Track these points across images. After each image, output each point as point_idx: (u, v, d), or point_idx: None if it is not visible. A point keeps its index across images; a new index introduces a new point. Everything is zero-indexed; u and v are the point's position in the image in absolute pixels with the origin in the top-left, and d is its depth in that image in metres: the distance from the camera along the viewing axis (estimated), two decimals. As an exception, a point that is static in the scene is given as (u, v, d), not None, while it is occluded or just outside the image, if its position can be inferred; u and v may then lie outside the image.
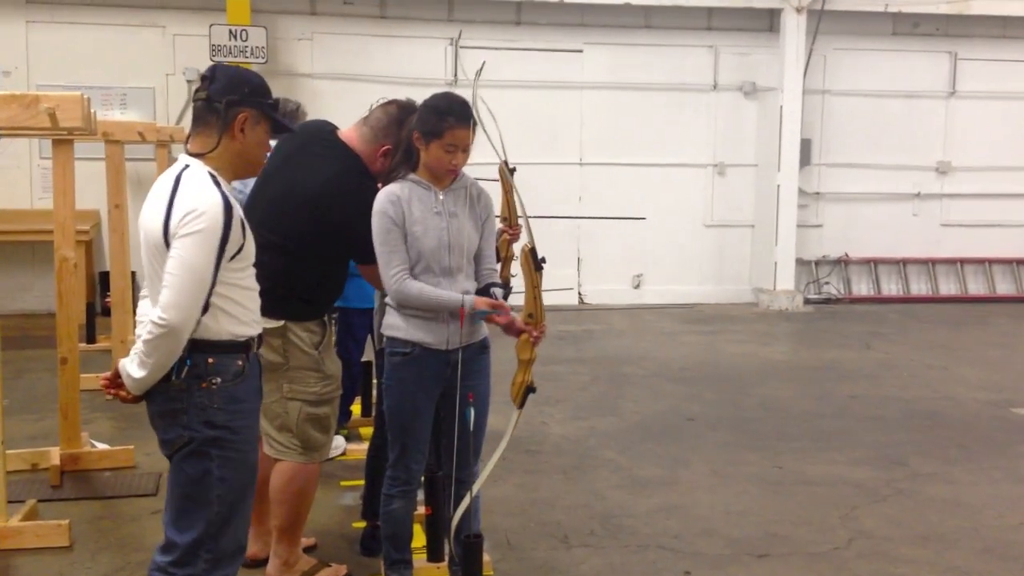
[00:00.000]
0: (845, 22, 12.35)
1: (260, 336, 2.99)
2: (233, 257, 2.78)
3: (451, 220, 3.55)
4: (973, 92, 12.86)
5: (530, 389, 3.52)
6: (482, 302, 3.50)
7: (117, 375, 2.83)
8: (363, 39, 11.44)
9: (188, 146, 2.90)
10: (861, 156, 12.67)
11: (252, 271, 2.94)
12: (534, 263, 3.45)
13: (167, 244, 2.71)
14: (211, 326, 2.78)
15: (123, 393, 2.83)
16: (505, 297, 3.79)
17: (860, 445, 6.19)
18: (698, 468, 5.72)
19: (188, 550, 2.82)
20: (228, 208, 2.73)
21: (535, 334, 3.48)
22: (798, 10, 11.87)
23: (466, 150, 3.53)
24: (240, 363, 2.85)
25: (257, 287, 2.97)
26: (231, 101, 2.83)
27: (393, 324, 3.57)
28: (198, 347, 2.77)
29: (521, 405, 3.51)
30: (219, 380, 2.80)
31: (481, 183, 3.74)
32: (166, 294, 2.67)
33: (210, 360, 2.79)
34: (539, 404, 6.61)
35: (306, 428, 3.82)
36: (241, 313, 2.86)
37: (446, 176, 3.56)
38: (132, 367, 2.76)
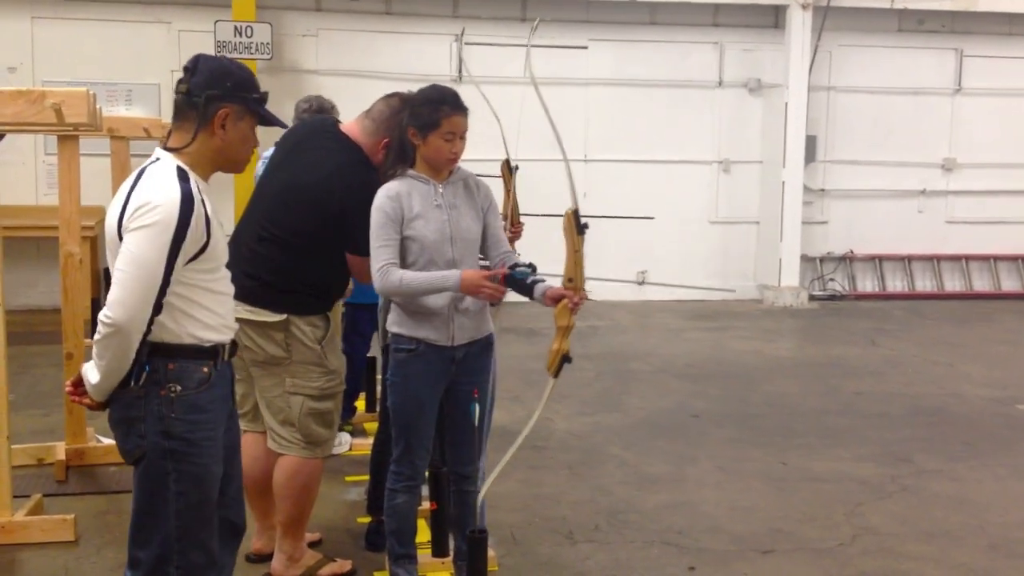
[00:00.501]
0: (851, 18, 12.32)
1: (234, 343, 2.86)
2: (196, 257, 2.64)
3: (452, 212, 3.54)
4: (979, 89, 12.83)
5: (566, 358, 3.37)
6: (476, 274, 3.42)
7: (81, 381, 2.73)
8: (368, 35, 11.43)
9: (166, 141, 2.77)
10: (866, 153, 12.65)
11: (224, 274, 2.81)
12: (577, 226, 3.33)
13: (120, 238, 2.60)
14: (172, 328, 2.65)
15: (87, 400, 2.72)
16: (533, 271, 3.75)
17: (865, 442, 6.18)
18: (704, 464, 5.72)
19: (154, 565, 2.70)
20: (187, 203, 2.57)
21: (575, 300, 3.34)
22: (803, 6, 11.84)
23: (463, 137, 3.53)
24: (205, 370, 2.71)
25: (230, 291, 2.84)
26: (211, 96, 2.69)
27: (397, 321, 3.58)
28: (158, 351, 2.64)
29: (556, 374, 3.39)
30: (179, 388, 2.66)
31: (482, 179, 3.74)
32: (113, 291, 2.55)
33: (170, 366, 2.66)
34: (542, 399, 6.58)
35: (308, 423, 3.81)
36: (207, 317, 2.72)
37: (446, 167, 3.55)
38: (90, 372, 2.66)
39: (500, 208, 4.01)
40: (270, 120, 2.85)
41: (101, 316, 2.56)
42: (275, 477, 3.87)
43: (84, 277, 6.49)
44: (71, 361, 5.29)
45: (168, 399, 2.66)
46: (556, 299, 3.36)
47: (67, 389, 2.82)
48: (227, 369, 2.85)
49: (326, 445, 3.94)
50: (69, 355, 5.29)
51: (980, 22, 12.69)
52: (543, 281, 3.49)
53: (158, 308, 2.58)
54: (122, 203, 2.63)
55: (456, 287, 3.40)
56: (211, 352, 2.74)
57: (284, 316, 3.69)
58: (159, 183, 2.62)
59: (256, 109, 2.80)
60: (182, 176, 2.64)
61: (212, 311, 2.74)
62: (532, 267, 3.55)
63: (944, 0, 12.33)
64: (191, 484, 2.71)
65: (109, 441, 5.60)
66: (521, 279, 3.47)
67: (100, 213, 10.05)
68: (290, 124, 4.27)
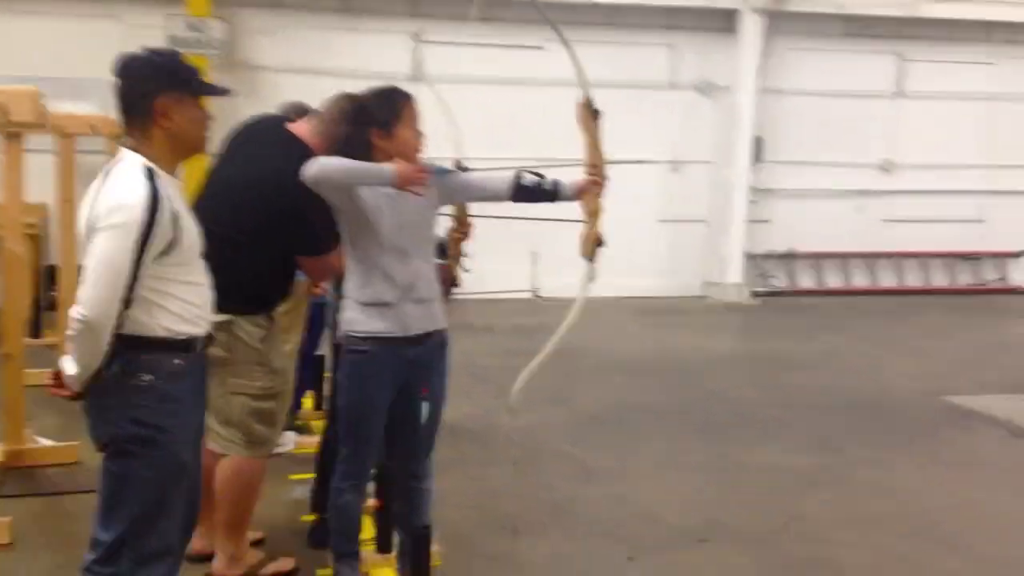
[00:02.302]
0: (800, 23, 12.58)
1: (210, 335, 2.93)
2: (166, 253, 2.72)
3: (404, 200, 3.45)
4: (918, 92, 13.17)
5: (600, 242, 3.43)
6: (410, 165, 3.32)
7: (60, 374, 2.80)
8: (324, 32, 11.39)
9: (125, 139, 2.84)
10: (810, 154, 12.91)
11: (198, 265, 2.89)
12: (591, 113, 3.41)
13: (90, 238, 2.69)
14: (145, 322, 2.73)
15: (65, 392, 2.79)
16: (451, 287, 3.76)
17: (801, 433, 6.39)
18: (646, 457, 5.88)
19: (111, 548, 2.79)
20: (153, 203, 2.65)
21: (603, 183, 3.43)
22: (755, 11, 12.09)
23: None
24: (177, 362, 2.79)
25: (206, 282, 2.92)
26: (144, 93, 2.76)
27: (351, 319, 3.52)
28: (132, 343, 2.72)
29: (593, 258, 3.44)
30: (150, 377, 2.74)
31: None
32: (83, 289, 2.65)
33: (143, 357, 2.74)
34: (490, 396, 6.72)
35: (249, 422, 3.78)
36: (181, 309, 2.79)
37: (415, 157, 3.48)
38: (67, 364, 2.75)
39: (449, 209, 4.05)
40: (209, 91, 2.92)
41: (73, 312, 2.65)
42: (216, 477, 3.83)
43: (26, 276, 6.37)
44: (10, 361, 5.17)
45: (139, 388, 2.74)
46: (584, 190, 3.46)
47: (48, 381, 2.87)
48: (200, 360, 2.92)
49: (268, 444, 3.90)
50: (8, 355, 5.17)
51: (922, 28, 13.02)
52: (558, 182, 3.56)
53: (128, 303, 2.67)
54: (91, 204, 2.72)
55: (393, 179, 3.27)
56: (184, 345, 2.81)
57: (227, 316, 3.58)
58: (126, 183, 2.69)
59: (191, 88, 2.85)
60: (148, 175, 2.71)
61: (187, 302, 2.82)
62: (541, 176, 3.57)
63: (888, 6, 12.65)
64: (157, 471, 2.79)
65: (48, 442, 5.49)
66: (535, 188, 3.52)
67: (42, 211, 9.93)
68: None
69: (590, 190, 3.46)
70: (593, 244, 3.44)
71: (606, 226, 3.61)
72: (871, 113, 13.12)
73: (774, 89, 12.73)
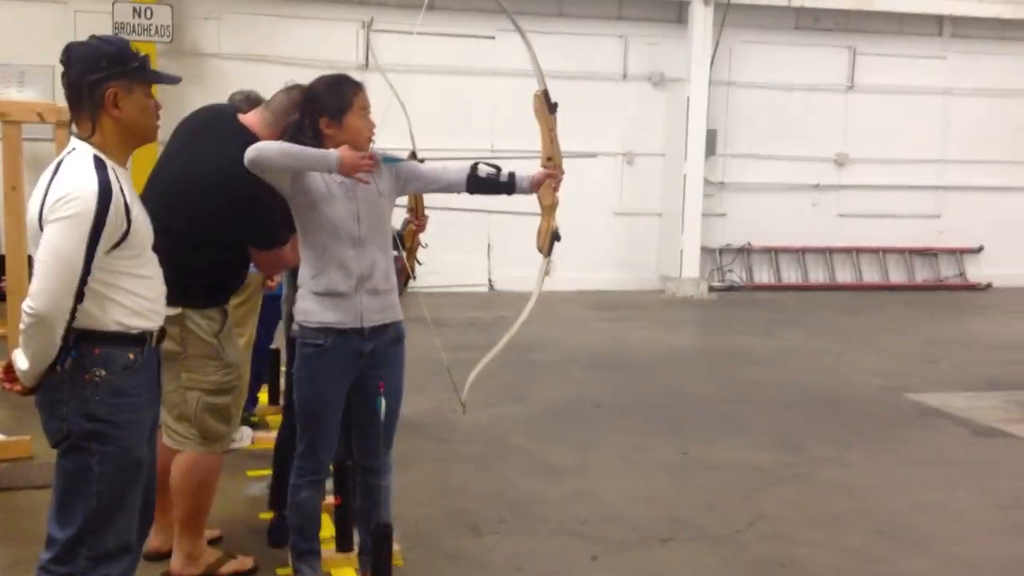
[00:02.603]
0: (750, 15, 12.63)
1: (163, 330, 2.91)
2: (117, 245, 2.69)
3: (357, 189, 3.45)
4: (870, 86, 13.30)
5: (556, 235, 3.47)
6: (353, 151, 3.30)
7: (11, 367, 2.76)
8: (272, 19, 11.25)
9: (73, 129, 2.80)
10: (764, 147, 13.01)
11: (150, 257, 2.85)
12: (548, 105, 3.42)
13: (41, 229, 2.63)
14: (97, 315, 2.70)
15: (17, 387, 2.77)
16: (406, 279, 3.72)
17: (761, 430, 6.37)
18: (606, 454, 5.82)
19: (67, 547, 2.75)
20: (105, 194, 2.63)
21: (559, 177, 3.48)
22: (705, 2, 12.09)
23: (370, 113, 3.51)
24: (131, 356, 2.76)
25: (158, 273, 2.89)
26: (92, 82, 2.72)
27: (304, 308, 3.50)
28: (84, 337, 2.69)
29: (549, 252, 3.47)
30: (103, 372, 2.71)
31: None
32: (35, 281, 2.60)
33: (96, 351, 2.71)
34: (447, 390, 6.57)
35: (205, 418, 3.76)
36: (134, 302, 2.77)
37: (366, 146, 3.47)
38: (19, 359, 2.70)
39: (405, 200, 4.00)
40: (158, 78, 2.91)
41: (24, 306, 2.61)
42: (172, 474, 3.80)
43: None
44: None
45: (92, 383, 2.71)
46: (540, 183, 3.49)
47: (0, 376, 2.85)
48: (154, 355, 2.89)
49: (223, 440, 3.89)
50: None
51: (873, 21, 13.16)
52: (513, 174, 3.57)
53: (80, 296, 2.63)
54: (42, 194, 2.67)
55: (334, 166, 3.27)
56: (137, 339, 2.79)
57: (179, 310, 3.60)
58: (77, 174, 2.66)
59: (140, 76, 2.81)
60: (99, 165, 2.68)
61: (139, 295, 2.78)
62: (497, 168, 3.59)
63: (839, -1, 12.75)
64: (113, 467, 2.75)
65: (-1, 437, 5.43)
66: (491, 180, 3.54)
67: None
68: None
69: (546, 183, 3.50)
70: (549, 237, 3.49)
71: (561, 219, 3.60)
72: (824, 106, 13.24)
73: (727, 82, 12.80)
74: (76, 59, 2.75)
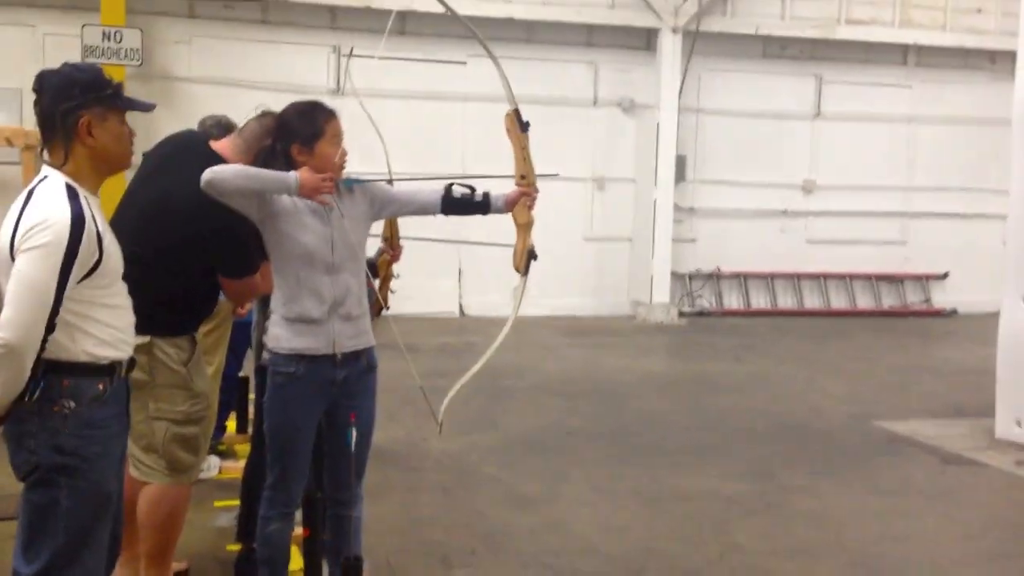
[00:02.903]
0: (718, 44, 12.76)
1: (132, 360, 2.87)
2: (89, 274, 2.65)
3: (331, 215, 3.42)
4: (836, 114, 13.47)
5: (532, 254, 3.48)
6: (312, 174, 3.27)
7: None
8: (243, 44, 11.22)
9: (45, 156, 2.76)
10: (732, 173, 13.11)
11: (120, 287, 2.82)
12: (520, 124, 3.45)
13: (12, 258, 2.59)
14: (67, 346, 2.65)
15: None
16: (379, 310, 3.70)
17: (732, 458, 6.37)
18: (578, 483, 5.79)
19: None
20: (78, 223, 2.59)
21: (533, 195, 3.52)
22: (674, 30, 12.20)
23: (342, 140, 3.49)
24: (100, 387, 2.72)
25: (128, 304, 2.85)
26: (65, 110, 2.69)
27: (276, 335, 3.46)
28: (53, 368, 2.64)
29: (525, 272, 3.49)
30: (72, 404, 2.66)
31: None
32: (6, 311, 2.55)
33: (65, 382, 2.66)
34: (418, 418, 6.57)
35: (173, 449, 3.69)
36: (103, 333, 2.73)
37: (338, 173, 3.44)
38: None
39: (380, 229, 3.98)
40: (133, 106, 2.87)
41: None
42: (139, 505, 3.72)
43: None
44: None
45: (62, 415, 2.66)
46: (515, 202, 3.52)
47: None
48: (123, 385, 2.85)
49: (192, 471, 3.81)
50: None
51: (839, 49, 13.33)
52: (488, 194, 3.59)
53: (52, 327, 2.58)
54: (14, 223, 2.63)
55: (294, 188, 3.24)
56: (107, 369, 2.74)
57: (147, 338, 3.54)
58: (49, 203, 2.62)
59: (114, 104, 2.78)
60: (71, 194, 2.65)
61: (108, 326, 2.74)
62: (472, 188, 3.58)
63: (805, 28, 12.91)
64: (81, 502, 2.69)
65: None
66: (466, 200, 3.54)
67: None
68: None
69: (521, 201, 3.53)
70: (525, 256, 3.51)
71: (533, 243, 3.61)
72: (791, 134, 13.38)
73: (696, 108, 12.90)
74: (48, 87, 2.72)
